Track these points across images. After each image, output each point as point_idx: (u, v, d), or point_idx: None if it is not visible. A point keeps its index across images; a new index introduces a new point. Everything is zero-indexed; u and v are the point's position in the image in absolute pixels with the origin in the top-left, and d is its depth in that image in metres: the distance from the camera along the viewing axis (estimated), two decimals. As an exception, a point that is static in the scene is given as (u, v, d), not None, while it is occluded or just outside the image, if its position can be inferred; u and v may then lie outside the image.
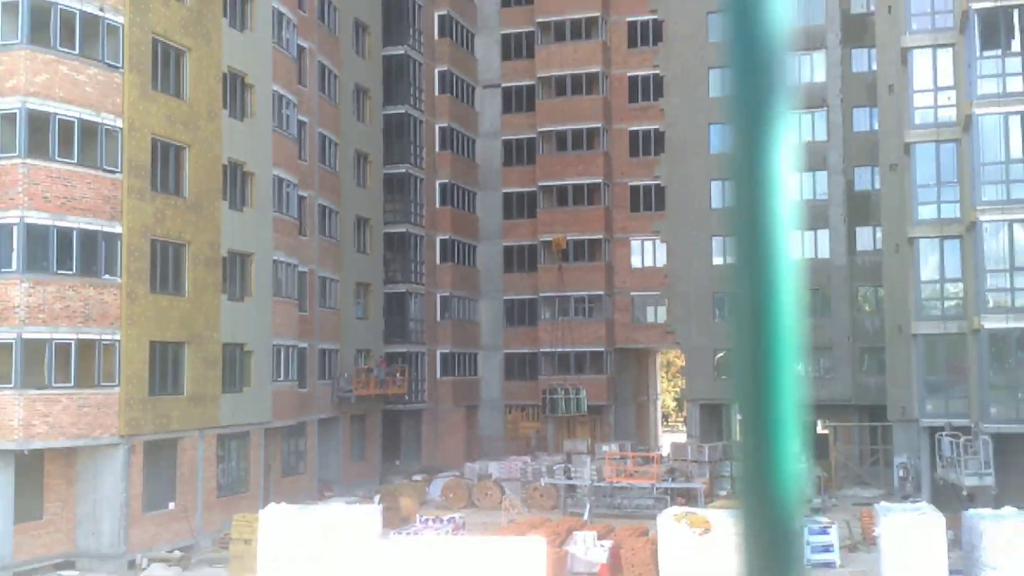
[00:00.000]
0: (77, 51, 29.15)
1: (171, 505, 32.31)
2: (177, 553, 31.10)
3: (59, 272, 28.44)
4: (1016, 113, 32.42)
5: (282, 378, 38.44)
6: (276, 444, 38.96)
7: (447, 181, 53.26)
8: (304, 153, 41.94)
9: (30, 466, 28.80)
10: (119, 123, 30.22)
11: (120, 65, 30.41)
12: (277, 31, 38.70)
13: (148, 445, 31.27)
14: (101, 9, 29.81)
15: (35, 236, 28.02)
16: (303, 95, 41.87)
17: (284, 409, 38.50)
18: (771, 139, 1.03)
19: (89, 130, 29.40)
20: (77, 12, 29.16)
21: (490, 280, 56.47)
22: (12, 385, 27.47)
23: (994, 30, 33.03)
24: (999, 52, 33.00)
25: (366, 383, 45.26)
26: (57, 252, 28.41)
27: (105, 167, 29.77)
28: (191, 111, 33.44)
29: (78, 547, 29.92)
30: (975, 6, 32.86)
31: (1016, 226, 32.38)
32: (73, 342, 28.62)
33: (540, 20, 55.57)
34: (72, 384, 28.54)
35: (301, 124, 41.51)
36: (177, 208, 32.65)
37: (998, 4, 32.61)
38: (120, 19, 30.42)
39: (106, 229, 29.71)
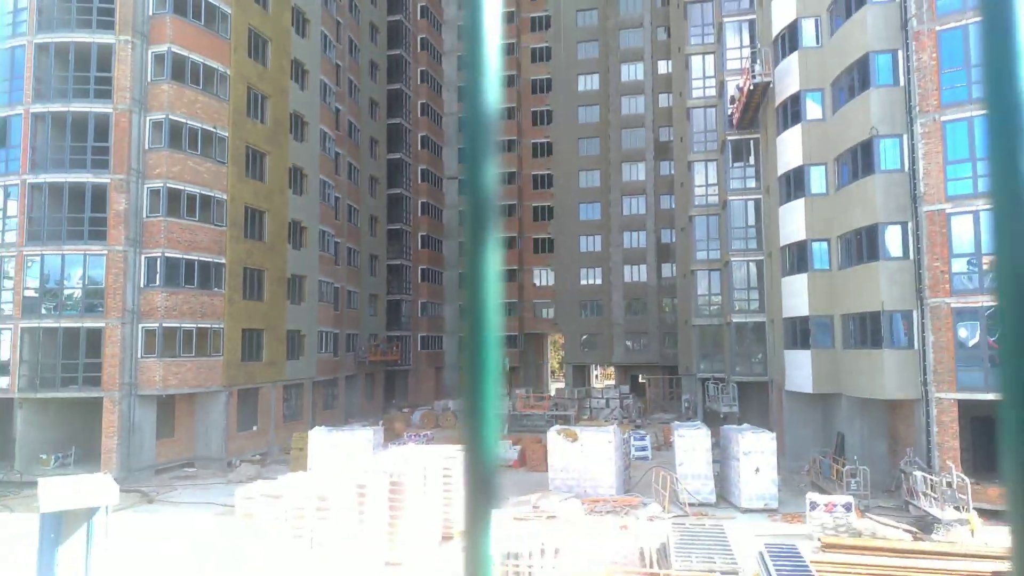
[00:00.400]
0: (199, 152, 28.61)
1: (255, 427, 31.71)
2: (258, 456, 30.53)
3: (186, 286, 27.83)
4: (751, 200, 33.16)
5: (323, 351, 37.94)
6: (319, 390, 38.45)
7: (425, 234, 53.06)
8: (339, 215, 41.55)
9: (166, 404, 28.12)
10: (224, 197, 29.69)
11: (226, 161, 29.90)
12: (322, 142, 38.34)
13: (241, 392, 30.67)
14: (214, 127, 29.30)
15: (171, 265, 27.41)
16: (338, 181, 41.50)
17: (325, 369, 38.02)
18: (488, 247, 0.93)
19: (205, 200, 28.85)
20: (199, 129, 28.62)
21: (451, 292, 56.35)
22: (156, 355, 26.80)
23: (739, 151, 33.88)
24: (742, 164, 33.77)
25: (375, 352, 44.92)
26: (184, 274, 27.81)
27: (215, 223, 29.22)
28: (269, 189, 32.98)
29: (196, 454, 29.25)
30: (729, 138, 33.71)
31: (751, 264, 33.15)
32: (194, 329, 28.01)
33: (480, 139, 55.69)
34: (193, 354, 27.91)
35: (336, 199, 41.12)
36: (260, 248, 32.15)
37: (741, 137, 33.48)
38: (226, 133, 29.93)
39: (216, 261, 29.15)
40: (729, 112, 33.03)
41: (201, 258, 28.36)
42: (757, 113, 31.77)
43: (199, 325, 28.14)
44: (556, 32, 54.00)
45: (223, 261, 29.39)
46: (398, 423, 38.02)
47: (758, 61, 29.42)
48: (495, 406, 0.92)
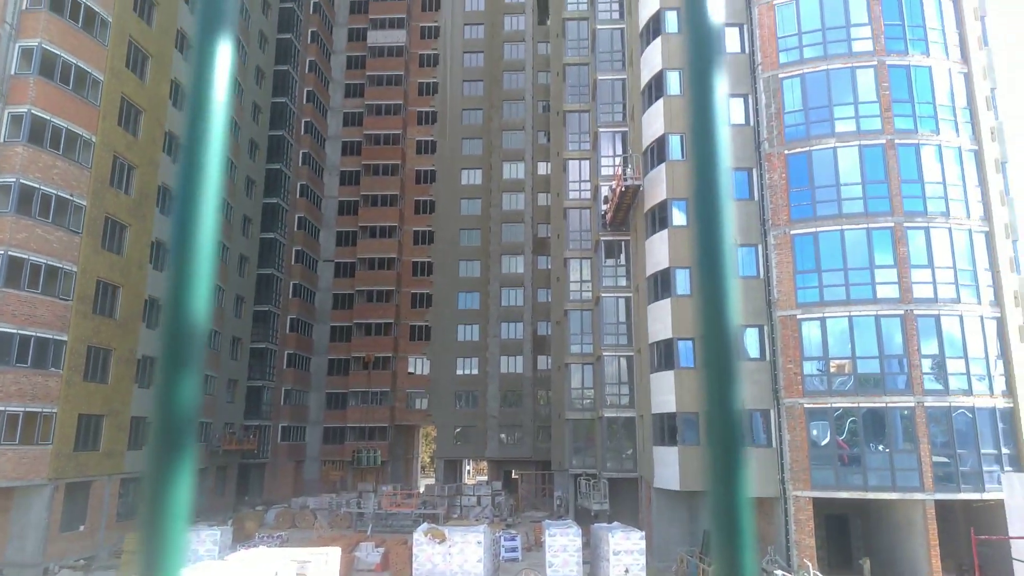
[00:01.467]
0: (50, 220, 26.58)
1: (82, 527, 28.29)
2: (82, 561, 27.14)
3: (17, 364, 25.10)
4: (622, 297, 34.72)
5: (173, 440, 35.06)
6: (165, 484, 35.15)
7: (295, 316, 51.31)
8: (202, 295, 39.44)
9: (-23, 499, 24.72)
10: (75, 268, 27.55)
11: (80, 231, 27.92)
12: (191, 218, 36.73)
13: (69, 485, 27.47)
14: (71, 195, 27.46)
15: (2, 340, 24.76)
16: (205, 259, 39.68)
17: (172, 460, 34.99)
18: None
19: (52, 271, 26.62)
20: (54, 195, 26.73)
21: (318, 379, 54.20)
22: (-30, 442, 23.72)
23: (612, 250, 35.64)
24: (614, 263, 35.50)
25: (230, 441, 42.04)
26: (17, 351, 25.14)
27: (60, 296, 26.90)
28: (127, 263, 30.96)
29: (6, 559, 25.53)
30: (602, 238, 35.45)
31: (622, 359, 34.29)
32: (21, 413, 25.10)
33: (362, 224, 55.49)
34: (16, 442, 24.88)
35: (202, 277, 39.17)
36: (109, 326, 29.78)
37: (613, 238, 35.30)
38: (84, 202, 28.11)
39: (56, 338, 26.64)
40: (603, 211, 34.86)
41: (39, 334, 25.85)
42: (628, 214, 33.71)
43: (27, 408, 25.30)
44: (442, 128, 55.75)
45: (64, 338, 26.93)
46: (250, 522, 35.28)
47: (630, 165, 31.54)
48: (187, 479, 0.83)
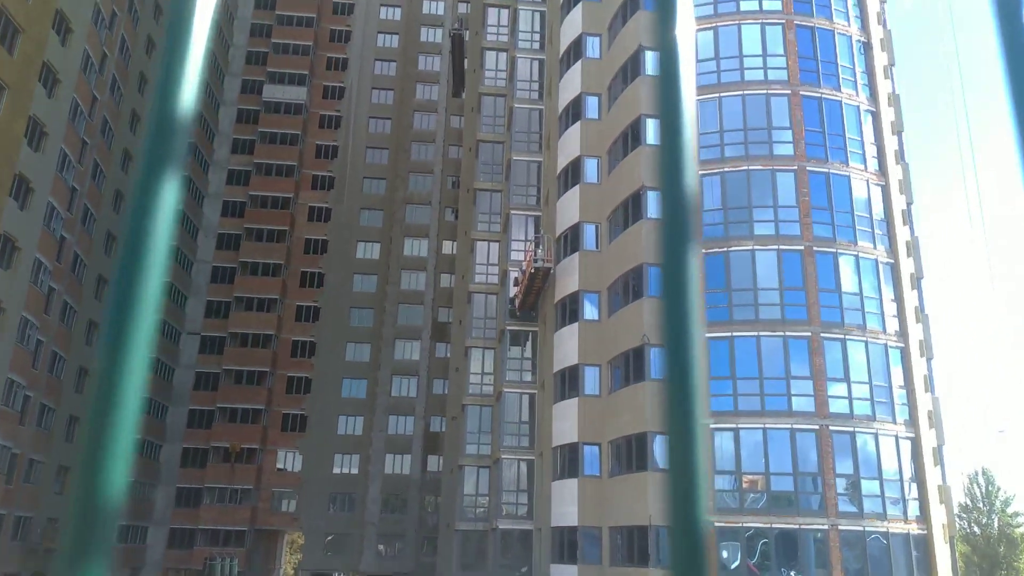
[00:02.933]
0: None
1: None
2: None
3: None
4: (527, 393, 34.43)
5: (-24, 539, 31.30)
6: (-42, 595, 31.14)
7: (147, 396, 48.08)
8: (37, 363, 36.33)
9: None
10: None
11: None
12: (35, 274, 34.20)
13: None
14: None
15: None
16: (46, 322, 36.82)
17: (-28, 565, 31.14)
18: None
19: None
20: None
21: (169, 471, 50.47)
22: None
23: (518, 341, 35.57)
24: (519, 354, 35.33)
25: (53, 539, 38.13)
26: None
27: None
28: (-57, 322, 28.22)
29: None
30: (508, 328, 35.40)
31: (522, 463, 33.65)
32: None
33: (237, 295, 53.49)
34: None
35: (39, 342, 36.22)
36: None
37: (520, 328, 35.29)
38: None
39: None
40: (512, 295, 34.91)
41: None
42: (538, 298, 33.91)
43: None
44: (339, 195, 55.23)
45: None
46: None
47: (541, 246, 31.96)
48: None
